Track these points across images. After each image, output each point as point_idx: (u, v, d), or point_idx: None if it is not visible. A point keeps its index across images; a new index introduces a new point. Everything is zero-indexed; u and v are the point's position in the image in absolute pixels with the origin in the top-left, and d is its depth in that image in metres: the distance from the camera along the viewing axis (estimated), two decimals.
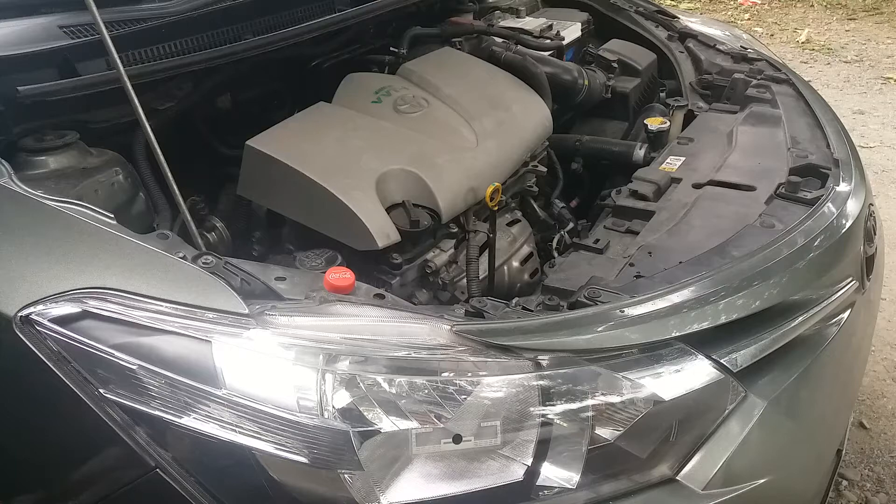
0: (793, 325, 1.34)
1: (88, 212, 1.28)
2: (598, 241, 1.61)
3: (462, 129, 1.76)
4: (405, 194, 1.57)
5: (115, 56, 1.34)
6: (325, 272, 1.25)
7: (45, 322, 1.18)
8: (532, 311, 1.25)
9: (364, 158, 1.56)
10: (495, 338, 1.12)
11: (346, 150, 1.58)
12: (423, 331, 1.14)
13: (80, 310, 1.17)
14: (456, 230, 1.64)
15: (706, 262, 1.39)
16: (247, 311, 1.13)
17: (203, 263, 1.20)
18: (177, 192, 1.30)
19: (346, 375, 1.07)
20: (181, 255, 1.22)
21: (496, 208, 1.66)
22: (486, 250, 1.73)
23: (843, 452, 1.87)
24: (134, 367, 1.11)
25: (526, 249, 1.93)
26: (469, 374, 1.11)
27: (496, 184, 1.62)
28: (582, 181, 2.28)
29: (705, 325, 1.23)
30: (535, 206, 2.10)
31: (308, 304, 1.18)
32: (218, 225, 1.67)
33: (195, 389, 1.08)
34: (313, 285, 1.24)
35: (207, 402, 1.08)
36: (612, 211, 1.76)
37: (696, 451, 1.20)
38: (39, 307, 1.18)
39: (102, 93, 1.56)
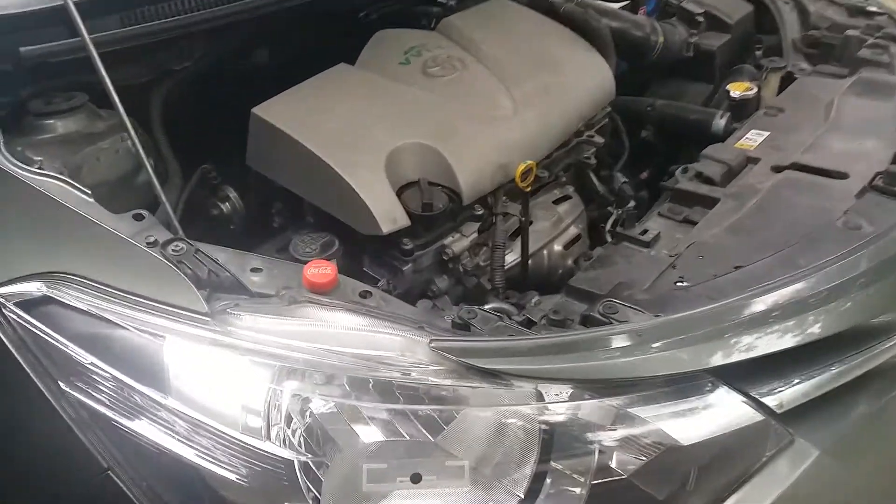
0: (868, 356, 1.08)
1: (66, 187, 1.18)
2: (645, 231, 1.38)
3: (498, 96, 1.54)
4: (421, 172, 1.38)
5: (77, 17, 1.21)
6: (308, 263, 1.10)
7: (10, 305, 1.11)
8: (530, 327, 1.06)
9: (377, 130, 1.39)
10: (478, 359, 0.94)
11: (359, 121, 1.40)
12: (398, 344, 0.97)
13: (43, 295, 1.09)
14: (482, 212, 1.45)
15: (764, 273, 1.15)
16: (205, 309, 1.00)
17: (173, 251, 1.08)
18: (145, 158, 1.19)
19: (299, 396, 0.93)
20: (151, 239, 1.10)
21: (528, 189, 1.45)
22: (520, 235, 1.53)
23: None
24: (87, 363, 1.02)
25: (573, 231, 1.72)
26: (443, 403, 0.94)
27: (529, 162, 1.41)
28: (654, 151, 2.02)
29: (749, 355, 1.00)
30: (594, 179, 1.87)
31: (276, 302, 1.03)
32: (231, 195, 1.55)
33: (141, 394, 0.97)
34: (289, 280, 1.09)
35: (155, 408, 0.97)
36: (670, 195, 1.52)
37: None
38: (4, 289, 1.11)
39: (112, 52, 1.45)
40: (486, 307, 1.37)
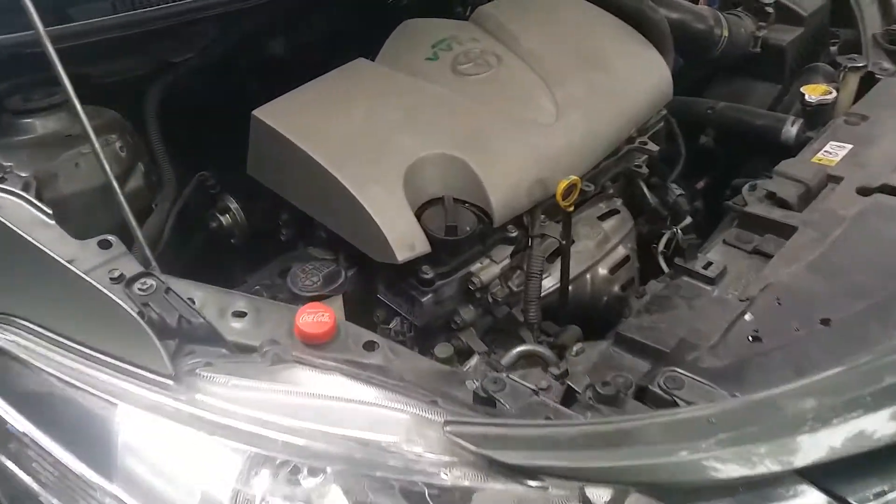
0: None
1: (24, 205, 1.01)
2: (709, 265, 1.17)
3: (539, 98, 1.33)
4: (446, 187, 1.19)
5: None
6: (302, 308, 0.92)
7: None
8: (569, 402, 0.85)
9: (396, 138, 1.19)
10: (505, 451, 0.74)
11: (376, 127, 1.21)
12: (404, 426, 0.78)
13: None
14: (515, 234, 1.25)
15: (859, 330, 0.93)
16: (168, 369, 0.82)
17: (139, 289, 0.91)
18: (105, 165, 1.00)
19: (272, 493, 0.74)
20: (116, 273, 0.93)
21: (571, 209, 1.24)
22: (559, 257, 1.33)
23: None
24: (20, 431, 0.84)
25: (620, 252, 1.51)
26: None
27: (573, 177, 1.20)
28: (713, 159, 1.79)
29: (850, 450, 0.79)
30: (646, 190, 1.66)
31: (257, 361, 0.85)
32: (232, 206, 1.37)
33: (79, 477, 0.80)
34: (278, 328, 0.91)
35: (94, 494, 0.80)
36: (737, 218, 1.30)
37: None
38: None
39: (103, 42, 1.28)
40: (519, 350, 1.19)
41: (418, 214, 1.16)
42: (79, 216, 1.19)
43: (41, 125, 1.25)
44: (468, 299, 1.26)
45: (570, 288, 1.41)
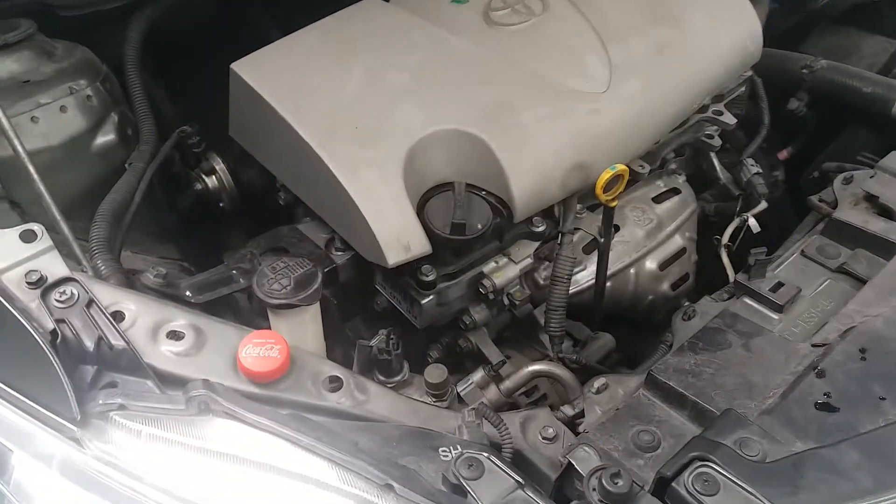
0: None
1: None
2: (778, 287, 0.94)
3: (589, 59, 1.08)
4: (459, 171, 0.97)
5: None
6: (247, 337, 0.74)
7: None
8: (564, 487, 0.66)
9: (401, 108, 0.97)
10: None
11: (377, 90, 0.99)
12: None
13: None
14: (542, 228, 1.03)
15: None
16: (73, 413, 0.66)
17: (56, 301, 0.74)
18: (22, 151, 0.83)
19: None
20: (35, 276, 0.77)
21: (615, 204, 1.01)
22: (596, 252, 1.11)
23: None
24: None
25: (675, 243, 1.27)
26: None
27: (619, 166, 0.97)
28: (803, 127, 1.51)
29: None
30: (717, 164, 1.40)
31: (180, 407, 0.68)
32: (218, 167, 1.19)
33: None
34: (220, 356, 0.74)
35: None
36: (823, 223, 1.06)
37: None
38: None
39: None
40: (531, 369, 1.00)
41: (422, 203, 0.96)
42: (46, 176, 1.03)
43: (2, 66, 1.08)
44: (480, 299, 1.06)
45: (608, 284, 1.20)
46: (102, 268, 0.92)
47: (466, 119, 0.97)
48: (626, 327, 1.27)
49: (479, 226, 0.94)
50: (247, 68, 0.99)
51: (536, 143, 0.99)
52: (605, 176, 0.96)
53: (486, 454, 0.64)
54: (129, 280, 0.94)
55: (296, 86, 0.97)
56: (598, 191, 0.98)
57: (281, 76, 0.98)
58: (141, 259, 1.11)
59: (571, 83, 1.05)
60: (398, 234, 0.90)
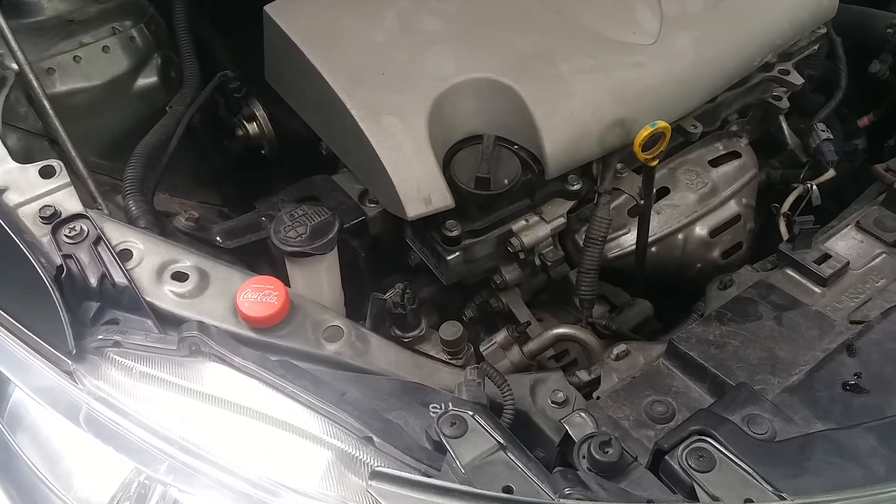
0: None
1: None
2: (824, 258, 0.87)
3: (638, 8, 1.01)
4: (490, 124, 0.93)
5: None
6: (247, 282, 0.74)
7: None
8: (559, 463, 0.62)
9: (432, 53, 0.93)
10: None
11: (409, 35, 0.95)
12: (317, 470, 0.60)
13: None
14: (578, 186, 0.98)
15: None
16: (70, 347, 0.67)
17: (66, 236, 0.76)
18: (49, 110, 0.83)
19: None
20: (49, 211, 0.78)
21: (655, 164, 0.95)
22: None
23: None
24: None
25: (729, 209, 1.20)
26: None
27: (660, 123, 0.91)
28: (886, 92, 1.39)
29: None
30: (785, 127, 1.30)
31: (171, 349, 0.68)
32: (258, 114, 1.18)
33: None
34: (221, 298, 0.74)
35: None
36: (884, 193, 0.97)
37: None
38: None
39: None
40: (555, 332, 0.97)
41: (450, 155, 0.92)
42: (79, 117, 1.05)
43: (50, 6, 1.10)
44: (511, 258, 1.03)
45: (653, 250, 1.14)
46: (133, 208, 0.94)
47: (499, 68, 0.92)
48: (674, 297, 1.21)
49: (506, 181, 0.91)
50: (280, 10, 0.97)
51: (573, 96, 0.93)
52: (644, 133, 0.91)
53: (471, 413, 0.62)
54: (160, 221, 0.96)
55: (326, 29, 0.95)
56: (637, 149, 0.92)
57: (312, 19, 0.96)
58: (178, 202, 1.12)
59: (617, 34, 0.99)
60: (419, 186, 0.88)
